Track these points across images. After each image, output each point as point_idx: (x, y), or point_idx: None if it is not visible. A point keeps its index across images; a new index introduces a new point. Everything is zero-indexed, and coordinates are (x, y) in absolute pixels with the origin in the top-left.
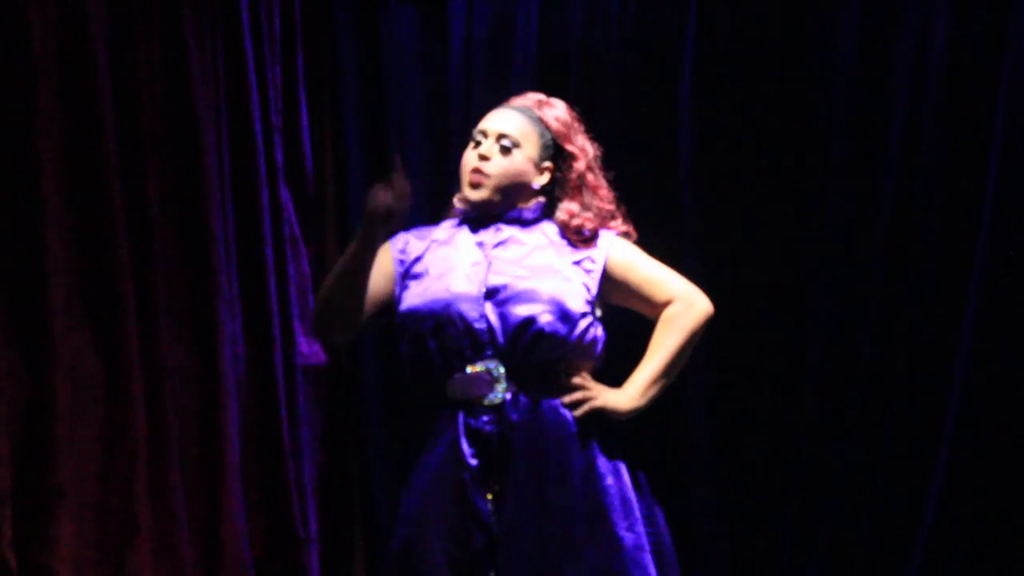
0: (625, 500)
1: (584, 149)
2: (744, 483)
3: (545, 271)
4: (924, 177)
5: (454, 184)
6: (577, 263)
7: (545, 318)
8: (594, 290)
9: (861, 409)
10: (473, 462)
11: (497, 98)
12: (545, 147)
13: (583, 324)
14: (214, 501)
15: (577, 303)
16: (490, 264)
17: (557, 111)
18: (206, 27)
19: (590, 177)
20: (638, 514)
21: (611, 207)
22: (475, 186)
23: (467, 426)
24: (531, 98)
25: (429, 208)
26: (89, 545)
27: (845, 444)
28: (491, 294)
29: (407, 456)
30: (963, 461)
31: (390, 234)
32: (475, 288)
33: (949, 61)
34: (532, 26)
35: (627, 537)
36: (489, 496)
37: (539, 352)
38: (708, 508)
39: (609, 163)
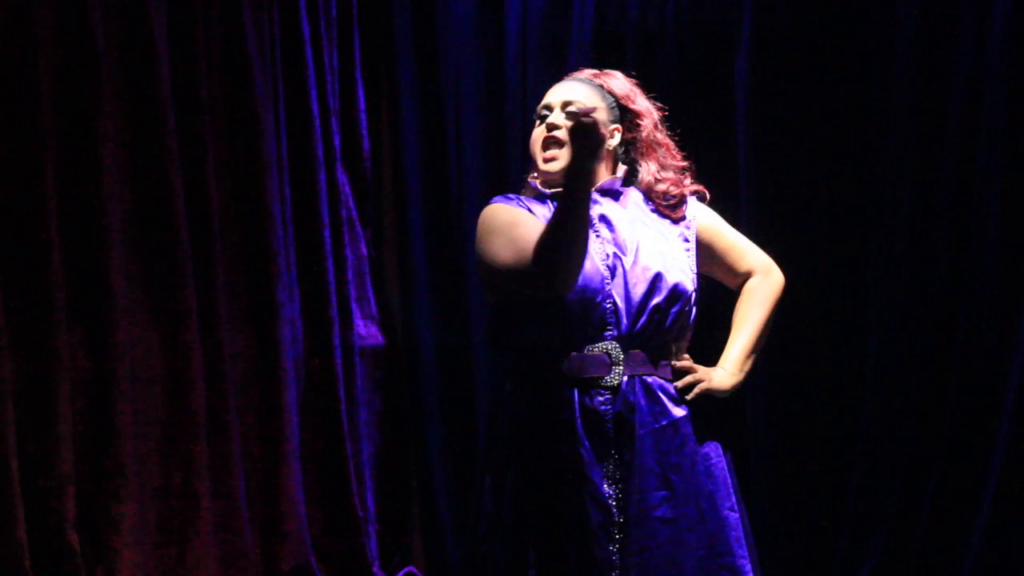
0: (727, 481)
1: (648, 109)
2: (801, 466)
3: (656, 250)
4: (984, 158)
5: (513, 163)
6: (680, 238)
7: (669, 301)
8: (695, 268)
9: (919, 403)
10: (588, 442)
11: (554, 79)
12: (611, 109)
13: (692, 302)
14: (273, 481)
15: (689, 283)
16: (603, 242)
17: (616, 79)
18: (263, 11)
19: (659, 135)
20: (734, 495)
21: (684, 164)
22: (549, 160)
23: (582, 405)
24: (587, 72)
25: (486, 188)
26: (151, 525)
27: (903, 436)
28: (612, 273)
29: (467, 432)
30: (1020, 456)
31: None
32: (599, 268)
33: (1011, 36)
34: (588, 5)
35: (731, 517)
36: (608, 478)
37: (659, 334)
38: (766, 496)
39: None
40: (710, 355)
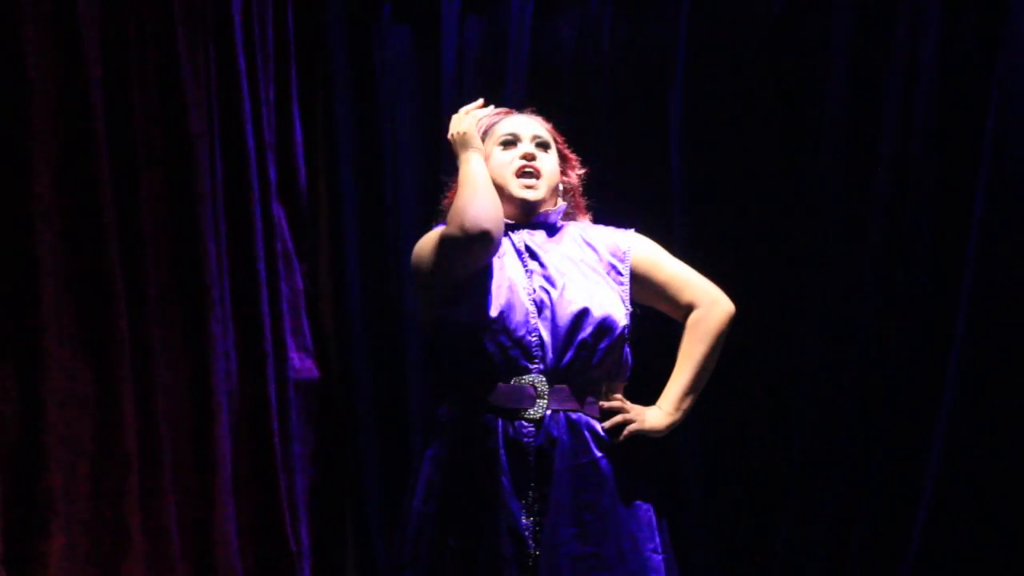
0: (650, 522)
1: (572, 155)
2: (736, 492)
3: (586, 285)
4: (914, 188)
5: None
6: (608, 272)
7: (596, 336)
8: (628, 304)
9: (854, 414)
10: (509, 472)
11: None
12: (557, 152)
13: (623, 339)
14: (206, 514)
15: (620, 319)
16: (531, 275)
17: (543, 120)
18: (199, 45)
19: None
20: (658, 536)
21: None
22: (529, 187)
23: (506, 436)
24: (530, 112)
25: (422, 221)
26: (81, 559)
27: (839, 449)
28: (540, 308)
29: (402, 467)
30: (956, 463)
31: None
32: (527, 301)
33: (939, 77)
34: (524, 41)
35: (653, 559)
36: (526, 510)
37: (587, 369)
38: (700, 517)
39: (601, 175)
40: (655, 393)
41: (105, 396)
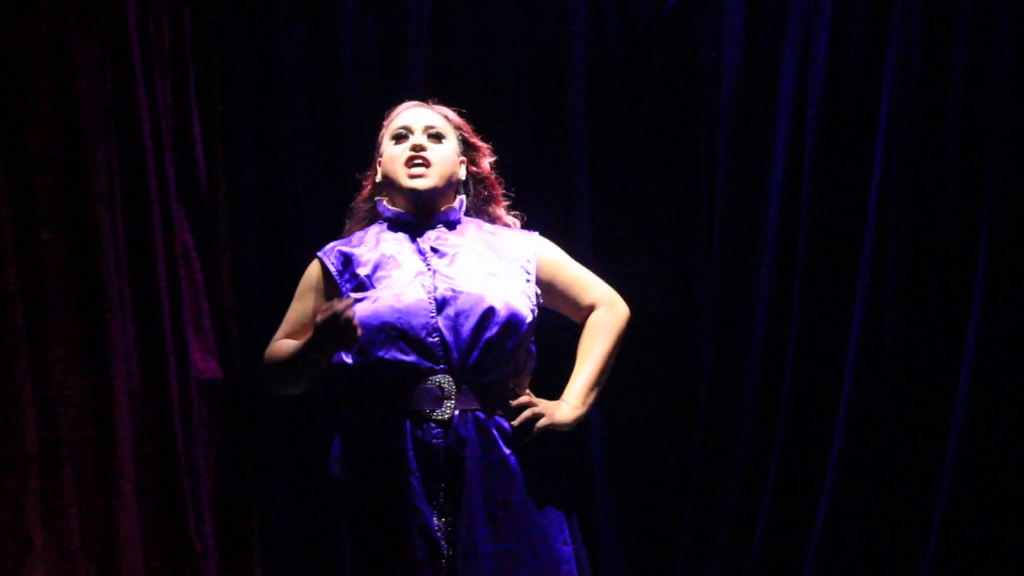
0: (559, 515)
1: (484, 145)
2: (638, 491)
3: (491, 282)
4: (811, 182)
5: (350, 191)
6: (516, 270)
7: (503, 335)
8: (534, 300)
9: (754, 412)
10: (419, 473)
11: (391, 107)
12: (459, 140)
13: (529, 336)
14: (109, 517)
15: (527, 315)
16: (435, 273)
17: (455, 113)
18: (94, 45)
19: (492, 172)
20: (567, 528)
21: (507, 201)
22: (417, 176)
23: (415, 437)
24: (431, 103)
25: (323, 219)
26: None
27: (738, 449)
28: (442, 306)
29: (306, 466)
30: (854, 457)
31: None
32: (427, 301)
33: (832, 69)
34: (422, 40)
35: (564, 551)
36: (437, 511)
37: (494, 368)
38: (605, 516)
39: (502, 174)
40: (555, 389)
41: (4, 398)
